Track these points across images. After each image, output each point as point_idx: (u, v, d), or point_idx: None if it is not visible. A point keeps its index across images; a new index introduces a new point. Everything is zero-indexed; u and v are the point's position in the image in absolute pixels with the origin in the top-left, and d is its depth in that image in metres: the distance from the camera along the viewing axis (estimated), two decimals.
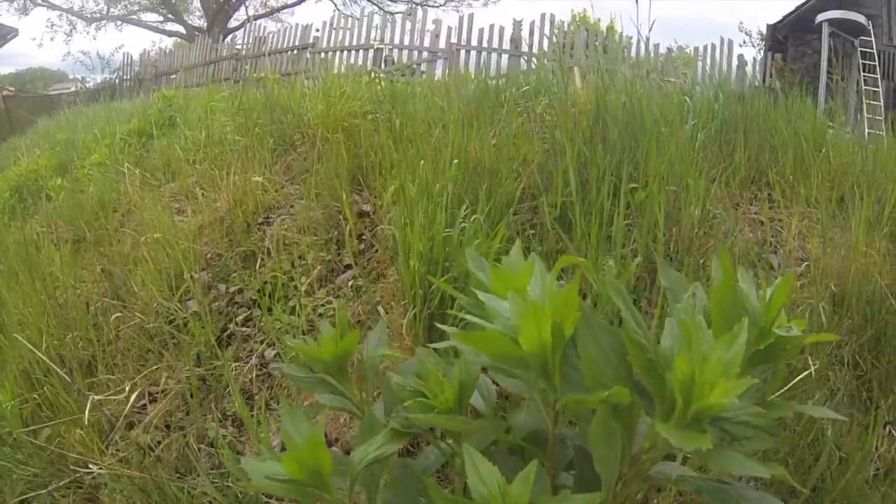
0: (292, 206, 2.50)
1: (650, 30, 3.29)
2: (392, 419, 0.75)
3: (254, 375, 1.73)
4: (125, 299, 2.24)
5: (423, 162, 1.70)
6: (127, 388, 1.69)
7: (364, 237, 2.14)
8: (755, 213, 2.66)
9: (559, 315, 0.64)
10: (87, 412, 1.50)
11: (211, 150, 3.33)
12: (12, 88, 16.41)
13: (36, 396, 1.80)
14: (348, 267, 2.01)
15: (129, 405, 1.59)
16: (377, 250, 2.05)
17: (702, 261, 2.24)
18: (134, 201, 3.18)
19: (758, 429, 0.79)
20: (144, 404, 1.80)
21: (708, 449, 0.64)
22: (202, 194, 2.68)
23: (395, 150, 2.21)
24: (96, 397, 1.59)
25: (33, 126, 8.14)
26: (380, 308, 1.72)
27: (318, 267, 1.92)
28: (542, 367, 0.66)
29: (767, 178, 2.77)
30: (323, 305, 1.84)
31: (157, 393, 1.80)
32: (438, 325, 0.79)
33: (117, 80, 12.20)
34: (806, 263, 2.28)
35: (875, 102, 8.32)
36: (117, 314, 2.00)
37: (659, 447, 0.80)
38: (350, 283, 1.90)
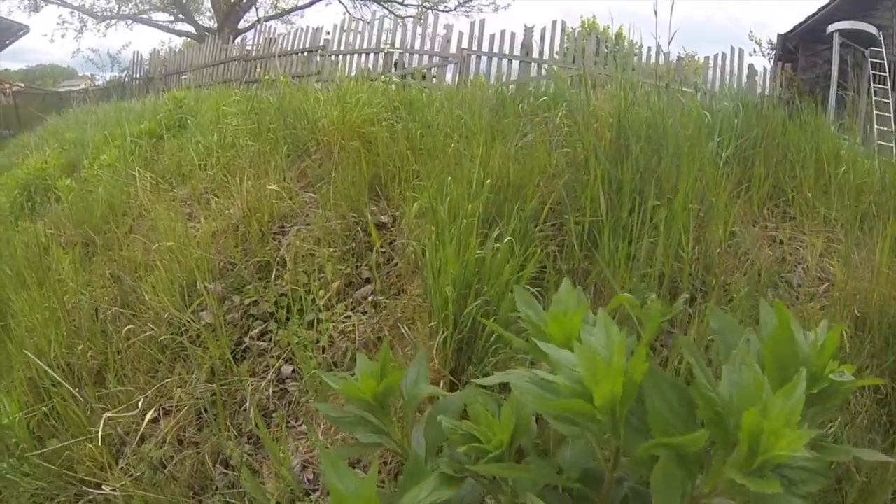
0: (307, 216, 2.46)
1: (670, 42, 3.23)
2: (442, 462, 0.71)
3: (270, 392, 1.68)
4: (135, 307, 2.19)
5: (450, 179, 1.65)
6: (140, 404, 1.64)
7: (383, 250, 2.10)
8: (774, 231, 2.63)
9: (631, 371, 0.61)
10: (100, 431, 1.45)
11: (223, 155, 3.29)
12: (22, 85, 16.45)
13: (44, 408, 1.75)
14: (367, 281, 1.96)
15: (144, 423, 1.54)
16: (396, 264, 2.00)
17: (723, 279, 2.20)
18: (144, 205, 3.14)
19: (812, 472, 0.80)
20: (156, 417, 1.75)
21: (773, 494, 0.66)
22: (215, 201, 2.64)
23: (414, 161, 2.17)
24: (109, 415, 1.54)
25: (42, 123, 8.14)
26: (401, 325, 1.67)
27: (338, 281, 1.88)
28: (610, 418, 0.63)
29: (786, 195, 2.74)
30: (343, 321, 1.79)
31: (170, 407, 1.75)
32: (501, 375, 0.76)
33: (127, 79, 12.20)
34: (827, 284, 2.25)
35: (885, 114, 8.28)
36: (129, 326, 1.94)
37: (719, 490, 0.80)
38: (370, 299, 1.85)
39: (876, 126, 7.76)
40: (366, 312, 1.82)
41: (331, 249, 2.06)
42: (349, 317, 1.81)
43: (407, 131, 2.57)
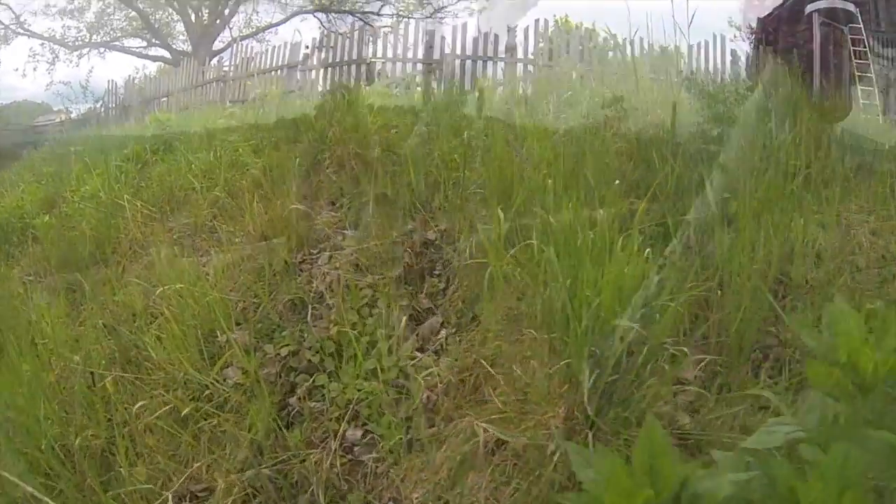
0: (334, 238, 2.10)
1: (689, 25, 3.11)
2: None
3: (339, 466, 1.31)
4: (139, 367, 1.80)
5: (550, 181, 1.33)
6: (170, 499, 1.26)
7: (437, 272, 1.75)
8: (819, 213, 2.47)
9: None
10: None
11: (221, 175, 2.92)
12: None
13: None
14: (429, 311, 1.62)
15: None
16: (458, 288, 1.65)
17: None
18: (137, 239, 2.75)
19: None
20: None
21: None
22: (224, 228, 2.26)
23: (465, 167, 1.84)
24: None
25: (18, 159, 7.61)
26: (486, 363, 1.33)
27: (403, 318, 1.52)
28: None
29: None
30: (413, 364, 1.44)
31: (203, 494, 1.37)
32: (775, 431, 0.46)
33: (102, 110, 11.63)
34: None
35: (868, 88, 8.36)
36: (140, 403, 1.54)
37: None
38: (443, 334, 1.50)
39: (861, 101, 7.82)
40: (439, 352, 1.47)
41: (378, 277, 1.70)
42: (418, 358, 1.46)
43: (443, 135, 2.24)
